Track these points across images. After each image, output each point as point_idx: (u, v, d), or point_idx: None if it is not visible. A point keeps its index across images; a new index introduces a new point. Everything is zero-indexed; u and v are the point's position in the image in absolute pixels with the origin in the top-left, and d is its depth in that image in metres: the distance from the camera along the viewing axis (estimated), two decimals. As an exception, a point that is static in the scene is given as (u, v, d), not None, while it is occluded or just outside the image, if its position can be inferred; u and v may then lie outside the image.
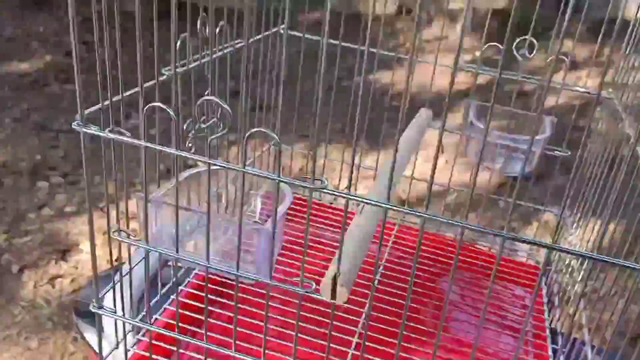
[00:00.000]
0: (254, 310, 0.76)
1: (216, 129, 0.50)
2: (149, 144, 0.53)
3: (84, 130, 0.55)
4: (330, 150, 0.99)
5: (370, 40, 0.80)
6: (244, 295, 0.78)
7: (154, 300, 0.74)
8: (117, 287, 0.68)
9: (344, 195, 0.51)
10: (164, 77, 0.64)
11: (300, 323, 0.58)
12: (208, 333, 0.62)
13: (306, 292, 0.56)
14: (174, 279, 0.79)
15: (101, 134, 0.54)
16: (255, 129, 0.50)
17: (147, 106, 0.49)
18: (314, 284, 0.56)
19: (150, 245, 0.58)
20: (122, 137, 0.54)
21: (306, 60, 0.88)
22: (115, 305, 0.66)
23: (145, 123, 0.53)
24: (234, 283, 0.57)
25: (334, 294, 0.54)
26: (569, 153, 0.89)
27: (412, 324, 0.77)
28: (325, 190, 0.50)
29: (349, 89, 0.81)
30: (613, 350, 0.61)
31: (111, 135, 0.54)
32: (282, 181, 0.51)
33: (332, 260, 0.60)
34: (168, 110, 0.49)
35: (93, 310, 0.64)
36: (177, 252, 0.57)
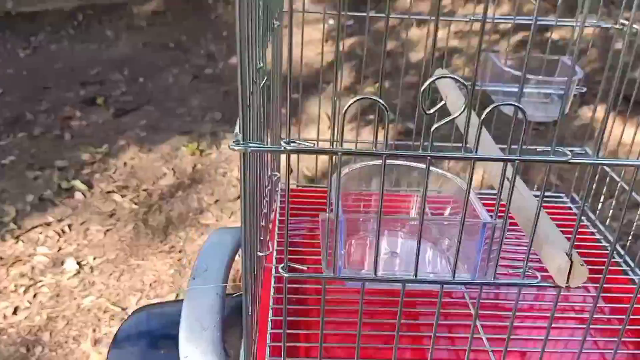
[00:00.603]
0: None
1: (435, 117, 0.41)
2: (345, 149, 0.42)
3: (251, 148, 0.42)
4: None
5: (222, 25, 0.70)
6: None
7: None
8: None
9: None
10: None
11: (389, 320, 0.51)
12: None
13: (531, 283, 0.48)
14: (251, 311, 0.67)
15: (277, 148, 0.42)
16: (494, 105, 0.41)
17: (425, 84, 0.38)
18: (538, 273, 0.48)
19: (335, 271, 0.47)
20: (304, 148, 0.42)
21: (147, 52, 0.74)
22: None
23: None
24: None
25: (568, 278, 0.47)
26: (585, 90, 0.88)
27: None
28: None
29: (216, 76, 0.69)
30: None
31: (289, 147, 0.42)
32: (524, 160, 0.42)
33: (539, 245, 0.52)
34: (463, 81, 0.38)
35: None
36: (375, 273, 0.47)
